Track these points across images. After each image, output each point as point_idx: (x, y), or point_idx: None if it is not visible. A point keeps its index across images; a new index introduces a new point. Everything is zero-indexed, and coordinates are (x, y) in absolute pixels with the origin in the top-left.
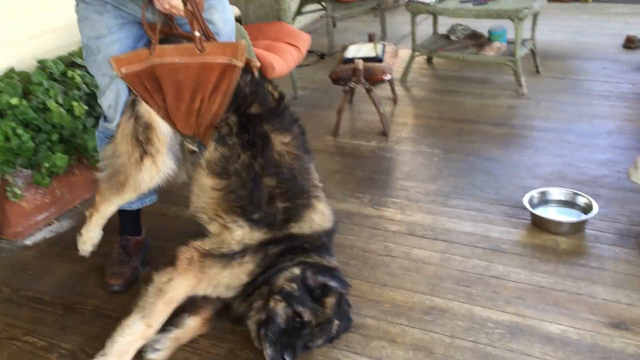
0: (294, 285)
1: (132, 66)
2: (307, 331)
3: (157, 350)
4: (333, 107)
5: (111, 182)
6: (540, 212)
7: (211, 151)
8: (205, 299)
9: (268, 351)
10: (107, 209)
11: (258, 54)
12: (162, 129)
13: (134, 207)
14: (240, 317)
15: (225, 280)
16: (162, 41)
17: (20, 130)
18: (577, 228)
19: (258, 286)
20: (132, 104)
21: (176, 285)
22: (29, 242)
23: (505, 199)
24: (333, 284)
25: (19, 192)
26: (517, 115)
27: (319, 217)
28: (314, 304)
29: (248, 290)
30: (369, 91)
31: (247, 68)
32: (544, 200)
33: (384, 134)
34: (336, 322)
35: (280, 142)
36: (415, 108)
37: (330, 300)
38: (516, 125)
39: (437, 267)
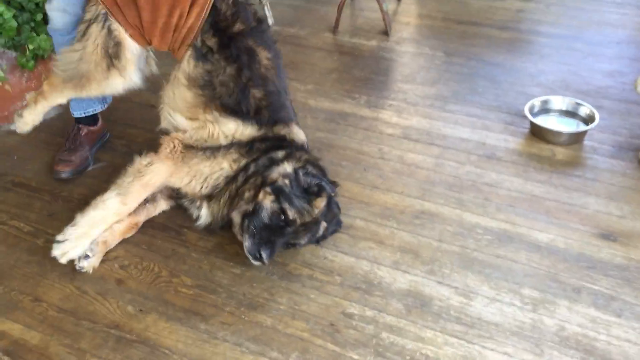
0: (286, 181)
1: None
2: (290, 229)
3: (87, 257)
4: (334, 3)
5: (72, 81)
6: (540, 121)
7: (192, 68)
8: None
9: (246, 243)
10: (56, 99)
11: None
12: (132, 47)
13: (89, 112)
14: (217, 223)
15: (207, 170)
16: None
17: (1, 7)
18: (576, 139)
19: (248, 178)
20: (104, 16)
21: (155, 170)
22: (14, 127)
23: (506, 106)
24: (326, 185)
25: (2, 74)
26: (525, 19)
27: (300, 133)
28: (303, 202)
29: (232, 190)
30: None
31: None
32: (545, 109)
33: (385, 33)
34: (323, 223)
35: (265, 57)
36: (420, 7)
37: (320, 201)
38: (523, 30)
39: (430, 172)
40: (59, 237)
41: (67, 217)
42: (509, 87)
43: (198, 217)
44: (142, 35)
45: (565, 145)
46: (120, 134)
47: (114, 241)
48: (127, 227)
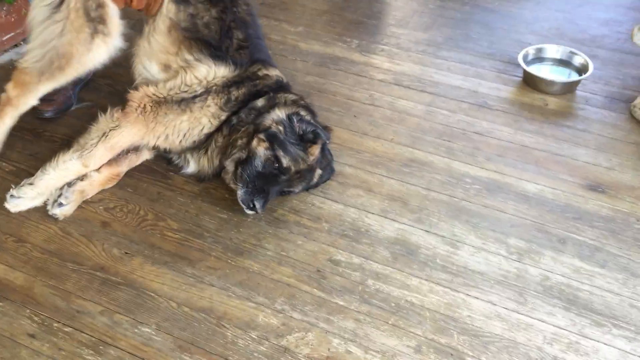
0: (280, 128)
1: None
2: (284, 177)
3: (61, 205)
4: None
5: (49, 69)
6: (534, 69)
7: (173, 12)
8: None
9: (240, 192)
10: (27, 101)
11: None
12: (113, 8)
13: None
14: (207, 173)
15: (185, 126)
16: None
17: None
18: (569, 88)
19: (236, 126)
20: None
21: (123, 133)
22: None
23: (499, 54)
24: (320, 132)
25: None
26: None
27: (278, 73)
28: (297, 149)
29: (218, 140)
30: None
31: None
32: (539, 58)
33: None
34: (318, 171)
35: (244, 2)
36: None
37: (316, 148)
38: None
39: (420, 120)
40: (14, 193)
41: (49, 157)
42: (504, 34)
43: (184, 167)
44: None
45: (558, 95)
46: (105, 73)
47: (91, 191)
48: (106, 177)
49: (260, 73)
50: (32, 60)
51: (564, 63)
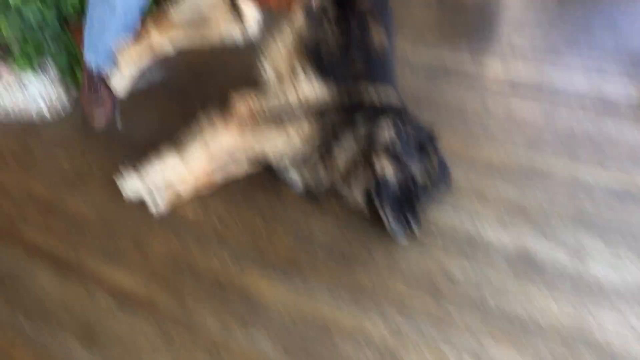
0: (398, 146)
1: None
2: (423, 192)
3: (157, 204)
4: None
5: (190, 26)
6: None
7: (303, 27)
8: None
9: (391, 224)
10: (164, 47)
11: None
12: (248, 8)
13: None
14: (315, 191)
15: (275, 141)
16: None
17: None
18: None
19: (344, 147)
20: None
21: (222, 141)
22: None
23: (627, 53)
24: (429, 135)
25: None
26: None
27: (394, 93)
28: (420, 159)
29: (324, 157)
30: None
31: None
32: None
33: None
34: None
35: (379, 39)
36: None
37: (435, 154)
38: None
39: (540, 127)
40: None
41: None
42: (631, 31)
43: (291, 182)
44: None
45: None
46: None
47: (185, 193)
48: (201, 183)
49: (371, 92)
50: (180, 15)
51: None
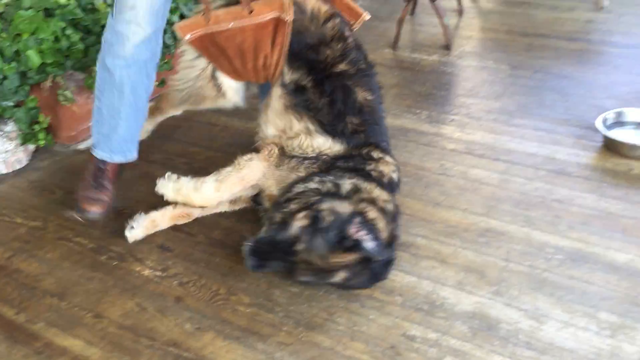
0: (330, 219)
1: (195, 32)
2: (290, 258)
3: (132, 228)
4: (393, 19)
5: (188, 100)
6: (615, 134)
7: (285, 98)
8: None
9: (245, 245)
10: (172, 113)
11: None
12: (232, 84)
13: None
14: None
15: (288, 179)
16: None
17: (69, 31)
18: None
19: (303, 193)
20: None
21: (254, 166)
22: (81, 146)
23: (576, 120)
24: (370, 245)
25: (70, 95)
26: (595, 29)
27: (391, 166)
28: (325, 246)
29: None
30: (432, 0)
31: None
32: (618, 122)
33: (447, 47)
34: (342, 274)
35: (364, 97)
36: (482, 21)
37: (348, 256)
38: (593, 41)
39: (495, 189)
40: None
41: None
42: (580, 99)
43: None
44: (239, 76)
45: None
46: (182, 152)
47: (163, 223)
48: (178, 214)
49: (375, 155)
50: (177, 88)
51: None
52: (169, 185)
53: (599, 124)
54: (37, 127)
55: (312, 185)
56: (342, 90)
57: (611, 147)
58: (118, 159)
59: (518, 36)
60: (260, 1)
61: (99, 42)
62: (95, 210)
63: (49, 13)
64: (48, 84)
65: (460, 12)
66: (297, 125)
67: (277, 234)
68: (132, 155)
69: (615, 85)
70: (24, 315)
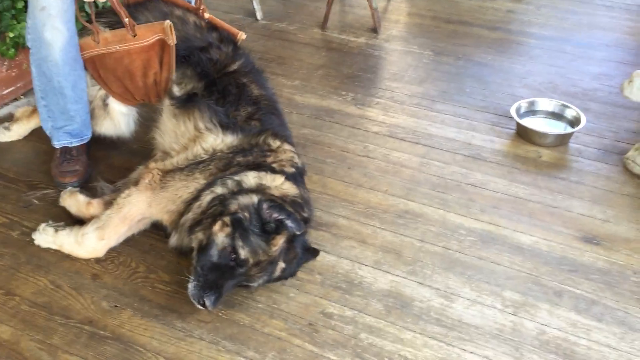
0: (246, 214)
1: (85, 53)
2: (241, 270)
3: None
4: None
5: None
6: (526, 122)
7: (177, 111)
8: None
9: (190, 285)
10: None
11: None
12: (118, 106)
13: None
14: (182, 249)
15: (182, 191)
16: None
17: None
18: (562, 140)
19: (212, 201)
20: None
21: (133, 201)
22: None
23: (493, 107)
24: (289, 222)
25: None
26: (515, 20)
27: (290, 153)
28: (259, 240)
29: (195, 211)
30: None
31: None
32: (531, 111)
33: (374, 30)
34: (281, 264)
35: (259, 92)
36: (410, 5)
37: (280, 239)
38: (512, 31)
39: (415, 171)
40: (41, 228)
41: (43, 210)
42: (497, 87)
43: (169, 236)
44: (129, 97)
45: (551, 147)
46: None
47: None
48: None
49: (272, 144)
50: None
51: (557, 116)
52: (48, 240)
53: (513, 111)
54: None
55: (218, 190)
56: (235, 85)
57: (523, 134)
58: (77, 142)
59: (443, 22)
60: (143, 26)
61: (14, 7)
62: (72, 181)
63: None
64: None
65: None
66: (187, 125)
67: (209, 256)
68: (88, 136)
69: (531, 75)
70: None
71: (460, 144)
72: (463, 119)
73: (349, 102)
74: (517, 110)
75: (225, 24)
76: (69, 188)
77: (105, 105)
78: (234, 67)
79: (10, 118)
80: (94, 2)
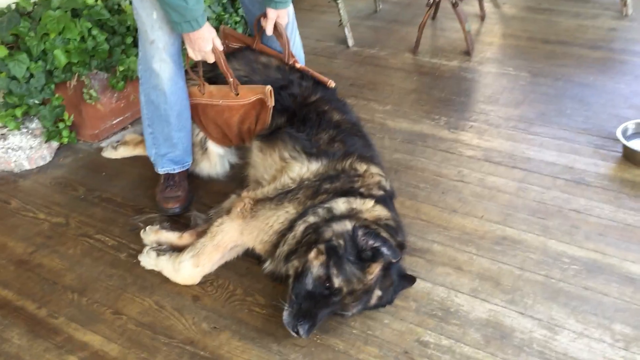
0: (341, 242)
1: (190, 100)
2: (336, 299)
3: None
4: (415, 23)
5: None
6: (635, 144)
7: (264, 145)
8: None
9: (285, 313)
10: None
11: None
12: (214, 147)
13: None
14: (277, 275)
15: (272, 220)
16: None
17: (95, 31)
18: None
19: (306, 230)
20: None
21: (227, 229)
22: (104, 144)
23: (596, 129)
24: (385, 250)
25: (95, 94)
26: (618, 38)
27: (378, 177)
28: (354, 268)
29: (289, 240)
30: (454, 5)
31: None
32: (639, 133)
33: (467, 53)
34: (377, 292)
35: (340, 117)
36: (504, 27)
37: (376, 267)
38: (615, 49)
39: (512, 197)
40: (146, 251)
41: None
42: (600, 108)
43: (263, 262)
44: (225, 140)
45: None
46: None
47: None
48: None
49: (359, 168)
50: None
51: None
52: (151, 262)
53: (619, 133)
54: (61, 125)
55: (310, 219)
56: (315, 113)
57: (631, 157)
58: (179, 169)
59: (540, 43)
60: (246, 87)
61: (124, 42)
62: (174, 206)
63: (76, 13)
64: (73, 82)
65: (482, 17)
66: (273, 157)
67: (304, 284)
68: (189, 163)
69: (637, 95)
70: (45, 310)
71: (561, 168)
72: (564, 142)
73: (441, 126)
74: (624, 132)
75: (316, 72)
76: (149, 227)
77: (204, 147)
78: (314, 98)
79: (119, 140)
80: (203, 61)
